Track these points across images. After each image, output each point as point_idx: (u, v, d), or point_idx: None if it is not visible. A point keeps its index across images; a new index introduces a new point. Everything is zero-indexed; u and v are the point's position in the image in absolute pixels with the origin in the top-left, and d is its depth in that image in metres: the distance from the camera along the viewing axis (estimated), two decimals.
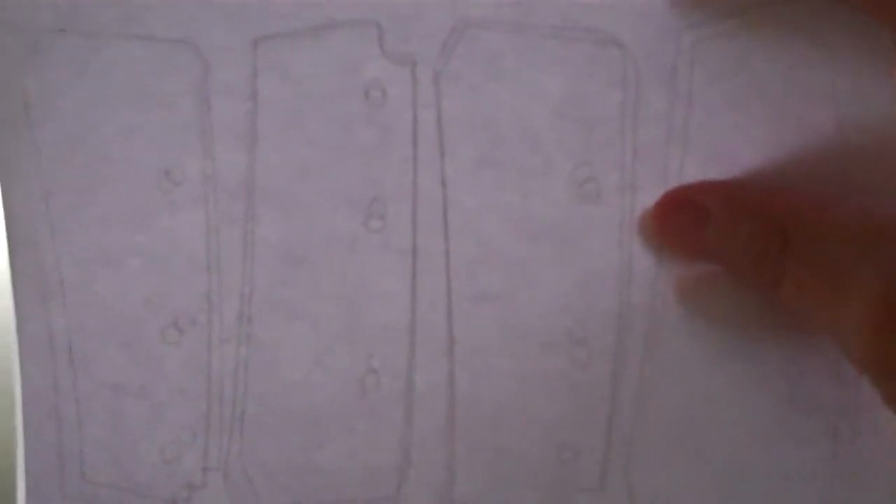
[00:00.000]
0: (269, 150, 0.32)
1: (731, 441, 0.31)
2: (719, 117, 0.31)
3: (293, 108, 0.31)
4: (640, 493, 0.32)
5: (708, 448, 0.32)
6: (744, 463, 0.32)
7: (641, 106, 0.31)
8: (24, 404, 0.33)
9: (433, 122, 0.31)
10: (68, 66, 0.31)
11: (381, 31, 0.31)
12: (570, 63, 0.31)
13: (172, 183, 0.32)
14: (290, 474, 0.32)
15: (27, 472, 0.33)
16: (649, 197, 0.31)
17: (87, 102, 0.32)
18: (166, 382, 0.32)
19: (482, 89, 0.31)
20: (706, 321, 0.31)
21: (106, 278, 0.32)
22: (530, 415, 0.32)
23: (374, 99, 0.31)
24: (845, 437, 0.31)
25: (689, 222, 0.30)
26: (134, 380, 0.32)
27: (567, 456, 0.32)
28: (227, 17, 0.31)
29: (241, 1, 0.31)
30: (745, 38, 0.31)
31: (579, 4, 0.31)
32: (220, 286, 0.32)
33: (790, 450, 0.31)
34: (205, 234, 0.32)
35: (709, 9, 0.31)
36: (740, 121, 0.31)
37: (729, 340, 0.31)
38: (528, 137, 0.31)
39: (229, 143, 0.32)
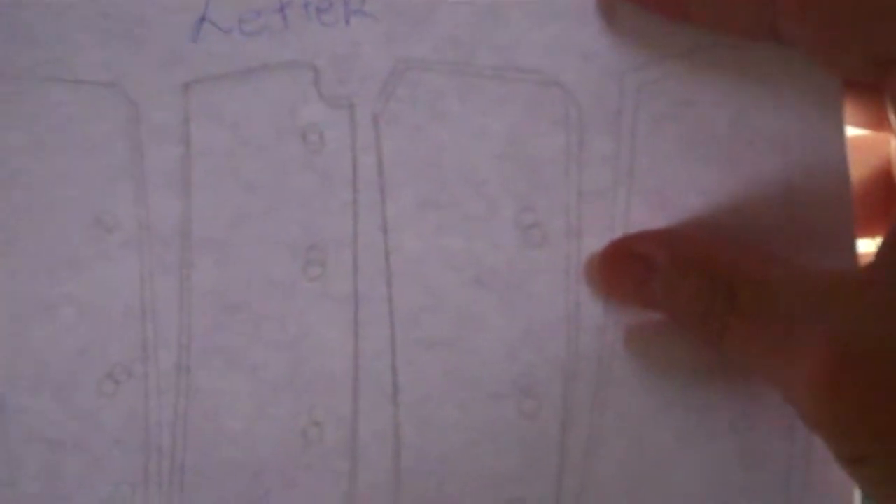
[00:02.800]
0: (204, 196, 0.31)
1: (681, 494, 0.31)
2: (665, 161, 0.30)
3: (228, 153, 0.31)
4: None
5: (658, 501, 0.31)
6: None
7: (586, 148, 0.30)
8: None
9: (373, 166, 0.31)
10: None
11: (317, 74, 0.30)
12: (513, 104, 0.30)
13: (105, 230, 0.31)
14: None
15: None
16: (595, 241, 0.31)
17: (14, 148, 0.31)
18: (103, 435, 0.31)
19: (423, 131, 0.30)
20: (654, 370, 0.31)
21: (38, 329, 0.31)
22: (478, 467, 0.31)
23: (312, 143, 0.30)
24: (796, 492, 0.31)
25: (634, 274, 0.29)
26: (69, 432, 0.31)
27: None
28: (156, 60, 0.30)
29: (170, 43, 0.30)
30: (690, 81, 0.30)
31: (521, 45, 0.30)
32: (157, 335, 0.31)
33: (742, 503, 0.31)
34: (139, 282, 0.31)
35: (653, 51, 0.30)
36: (687, 165, 0.30)
37: (678, 391, 0.31)
38: (472, 180, 0.31)
39: (162, 188, 0.31)
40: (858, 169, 0.31)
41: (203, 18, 0.30)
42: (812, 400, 0.26)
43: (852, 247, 0.30)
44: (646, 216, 0.30)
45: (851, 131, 0.30)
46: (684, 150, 0.30)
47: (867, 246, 0.31)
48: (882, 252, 0.27)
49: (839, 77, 0.29)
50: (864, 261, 0.30)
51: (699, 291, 0.28)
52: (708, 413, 0.31)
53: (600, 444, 0.31)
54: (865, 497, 0.30)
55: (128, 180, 0.31)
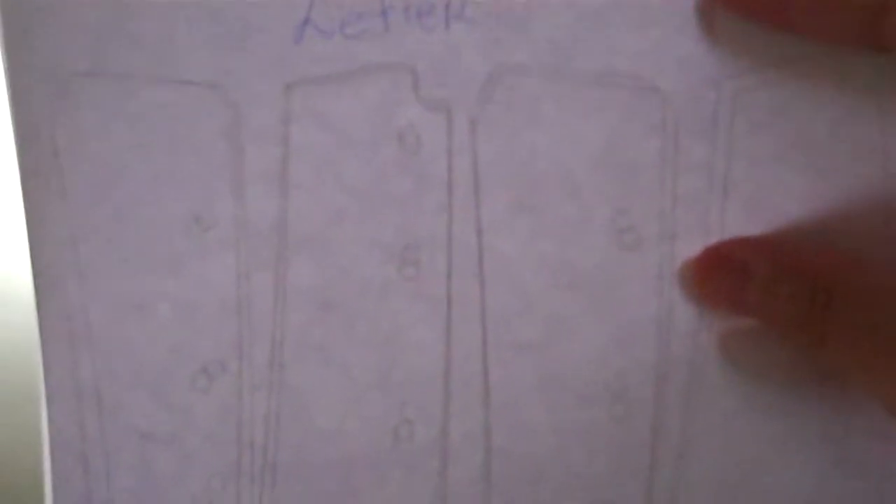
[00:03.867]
0: (302, 195, 0.31)
1: (773, 501, 0.31)
2: (761, 168, 0.30)
3: (326, 154, 0.31)
4: None
5: None
6: None
7: (681, 154, 0.30)
8: (52, 452, 0.32)
9: (469, 169, 0.31)
10: (98, 111, 0.31)
11: (415, 77, 0.31)
12: (609, 110, 0.31)
13: (203, 228, 0.31)
14: None
15: None
16: (690, 246, 0.31)
17: (117, 147, 0.31)
18: (196, 430, 0.32)
19: (519, 136, 0.31)
20: (748, 376, 0.31)
21: (135, 324, 0.32)
22: (568, 469, 0.31)
23: (409, 145, 0.31)
24: (891, 500, 0.31)
25: (730, 280, 0.30)
26: (163, 427, 0.32)
27: None
28: (259, 62, 0.31)
29: (273, 46, 0.31)
30: (789, 89, 0.30)
31: (618, 50, 0.30)
32: (252, 332, 0.32)
33: None
34: (235, 279, 0.31)
35: (751, 58, 0.30)
36: (783, 173, 0.30)
37: (771, 397, 0.31)
38: (566, 185, 0.31)
39: (261, 187, 0.31)
40: None
41: (306, 21, 0.31)
42: None
43: None
44: (741, 222, 0.31)
45: None
46: (781, 158, 0.30)
47: None
48: None
49: None
50: None
51: (797, 298, 0.28)
52: (802, 420, 0.31)
53: (691, 449, 0.31)
54: None
55: (227, 180, 0.31)
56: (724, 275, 0.30)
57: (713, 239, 0.31)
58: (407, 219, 0.31)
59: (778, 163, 0.30)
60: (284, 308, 0.32)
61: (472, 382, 0.31)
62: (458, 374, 0.31)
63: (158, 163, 0.31)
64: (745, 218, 0.30)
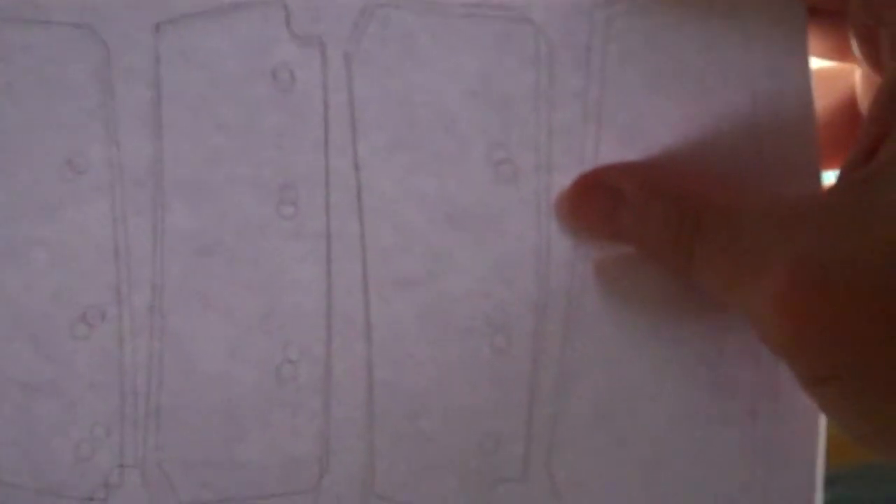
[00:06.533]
0: (176, 137, 0.31)
1: (651, 426, 0.31)
2: (634, 96, 0.30)
3: (199, 93, 0.31)
4: (562, 482, 0.32)
5: (629, 434, 0.31)
6: (665, 448, 0.31)
7: (555, 85, 0.30)
8: None
9: (344, 105, 0.31)
10: None
11: (288, 12, 0.30)
12: (483, 42, 0.30)
13: (76, 172, 0.31)
14: (209, 469, 0.32)
15: None
16: (566, 177, 0.31)
17: None
18: (77, 378, 0.31)
19: (395, 70, 0.31)
20: (624, 303, 0.31)
21: (10, 272, 0.31)
22: (450, 403, 0.31)
23: (283, 82, 0.31)
24: (764, 419, 0.31)
25: (603, 205, 0.30)
26: (43, 376, 0.31)
27: (489, 445, 0.32)
28: (128, 1, 0.30)
29: None
30: (659, 15, 0.30)
31: None
32: (130, 278, 0.31)
33: (710, 433, 0.31)
34: (111, 224, 0.31)
35: None
36: (656, 99, 0.30)
37: (648, 324, 0.31)
38: (442, 119, 0.31)
39: (134, 129, 0.31)
40: (824, 100, 0.31)
41: None
42: (774, 322, 0.26)
43: (818, 177, 0.30)
44: (615, 151, 0.31)
45: (817, 63, 0.30)
46: (653, 85, 0.30)
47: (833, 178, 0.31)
48: (844, 174, 0.27)
49: (804, 5, 0.29)
50: None
51: (666, 219, 0.28)
52: (678, 344, 0.31)
53: (571, 378, 0.31)
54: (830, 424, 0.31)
55: (99, 122, 0.31)
56: (597, 200, 0.30)
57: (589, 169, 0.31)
58: (283, 157, 0.31)
59: (650, 91, 0.30)
60: (163, 252, 0.31)
61: (354, 319, 0.31)
62: (339, 311, 0.31)
63: (27, 106, 0.31)
64: (619, 147, 0.31)
